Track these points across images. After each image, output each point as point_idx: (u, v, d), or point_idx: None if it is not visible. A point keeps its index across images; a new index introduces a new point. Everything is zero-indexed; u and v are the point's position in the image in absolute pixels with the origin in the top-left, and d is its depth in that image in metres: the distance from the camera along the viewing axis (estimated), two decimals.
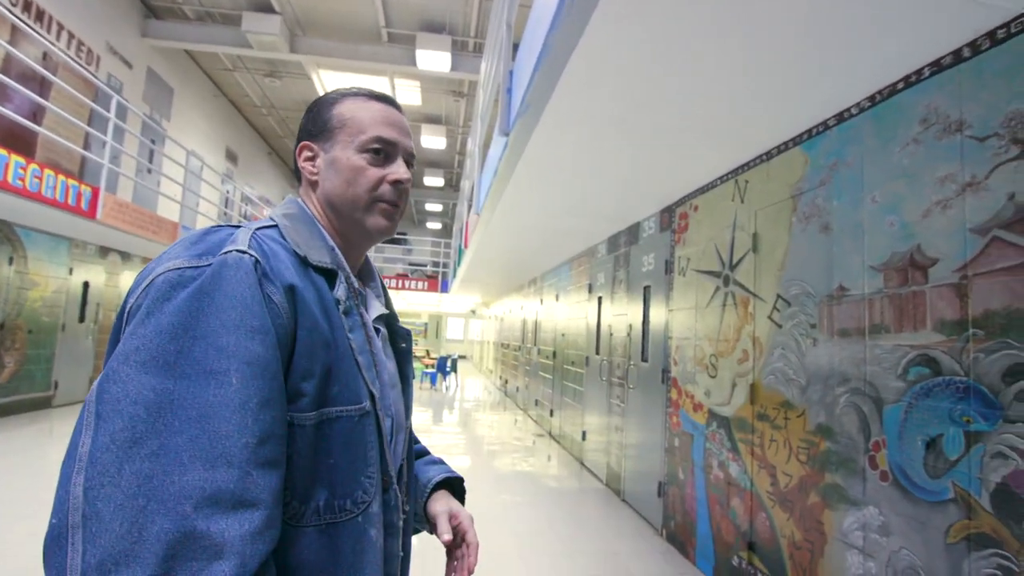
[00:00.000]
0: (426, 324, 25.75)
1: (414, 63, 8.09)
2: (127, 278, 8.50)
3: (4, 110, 4.67)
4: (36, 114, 6.13)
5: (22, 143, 5.88)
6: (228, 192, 11.41)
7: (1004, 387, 1.56)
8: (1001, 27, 1.65)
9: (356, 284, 0.79)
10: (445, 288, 14.19)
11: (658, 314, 4.07)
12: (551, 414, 7.45)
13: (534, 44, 2.39)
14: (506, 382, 12.26)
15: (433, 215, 19.93)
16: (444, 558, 0.89)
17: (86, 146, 6.92)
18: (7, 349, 6.26)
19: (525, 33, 2.77)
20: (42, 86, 6.13)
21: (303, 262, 0.72)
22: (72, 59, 6.57)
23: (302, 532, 0.65)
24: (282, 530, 0.62)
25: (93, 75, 6.73)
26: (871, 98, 2.12)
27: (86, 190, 5.66)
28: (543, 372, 8.11)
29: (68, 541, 0.51)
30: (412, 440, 0.92)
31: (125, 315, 0.62)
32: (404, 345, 0.90)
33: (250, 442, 0.57)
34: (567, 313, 6.81)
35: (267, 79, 10.00)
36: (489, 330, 17.03)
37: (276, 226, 0.75)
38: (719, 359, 3.13)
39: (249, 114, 12.05)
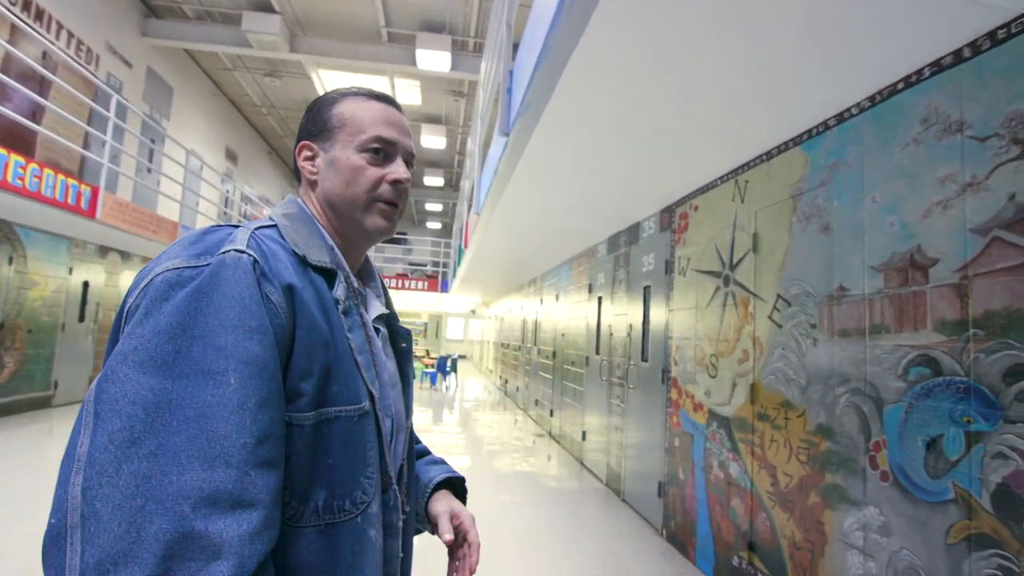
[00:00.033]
0: (426, 324, 25.75)
1: (414, 63, 8.09)
2: (127, 277, 8.50)
3: (4, 109, 4.67)
4: (36, 113, 6.13)
5: (22, 142, 5.87)
6: (228, 192, 11.40)
7: (1004, 387, 1.55)
8: (1001, 27, 1.65)
9: (356, 284, 0.79)
10: (445, 288, 14.19)
11: (658, 314, 4.07)
12: (551, 414, 7.45)
13: (534, 44, 2.39)
14: (506, 382, 12.26)
15: (433, 215, 19.93)
16: (446, 558, 0.88)
17: (86, 145, 6.92)
18: (7, 349, 6.25)
19: (525, 33, 2.77)
20: (42, 85, 6.12)
21: (302, 262, 0.72)
22: (72, 58, 6.57)
23: (301, 532, 0.65)
24: (281, 530, 0.62)
25: (93, 74, 6.72)
26: (871, 98, 2.12)
27: (86, 189, 5.66)
28: (543, 372, 8.11)
29: (67, 541, 0.51)
30: (413, 440, 0.91)
31: (124, 315, 0.62)
32: (404, 345, 0.90)
33: (248, 442, 0.57)
34: (567, 313, 6.81)
35: (267, 79, 10.00)
36: (489, 330, 17.04)
37: (275, 226, 0.74)
38: (719, 359, 3.13)
39: (249, 113, 12.05)
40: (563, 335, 6.96)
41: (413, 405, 0.91)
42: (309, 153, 0.81)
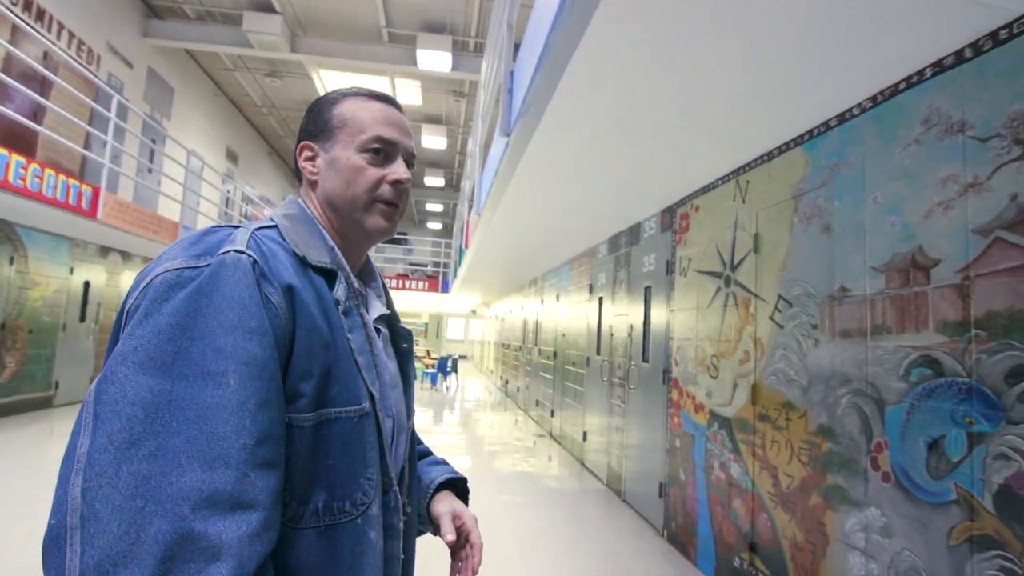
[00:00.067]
0: (427, 324, 25.75)
1: (415, 63, 8.09)
2: (128, 278, 8.50)
3: (5, 110, 4.67)
4: (37, 114, 6.13)
5: (23, 143, 5.88)
6: (229, 192, 11.41)
7: (1007, 388, 1.55)
8: (1003, 27, 1.65)
9: (356, 284, 0.79)
10: (446, 288, 14.19)
11: (659, 314, 4.07)
12: (552, 414, 7.45)
13: (535, 44, 2.39)
14: (507, 382, 12.26)
15: (434, 215, 19.93)
16: (448, 559, 0.88)
17: (87, 146, 6.92)
18: (8, 349, 6.26)
19: (526, 33, 2.77)
20: (43, 86, 6.13)
21: (302, 262, 0.71)
22: (73, 59, 6.57)
23: (301, 534, 0.64)
24: (281, 532, 0.62)
25: (94, 75, 6.73)
26: (872, 99, 2.12)
27: (87, 190, 5.66)
28: (544, 372, 8.11)
29: (67, 542, 0.51)
30: (414, 441, 0.91)
31: (124, 315, 0.62)
32: (405, 345, 0.89)
33: (248, 443, 0.57)
34: (568, 313, 6.80)
35: (268, 79, 10.01)
36: (490, 330, 17.03)
37: (276, 226, 0.74)
38: (720, 360, 3.13)
39: (250, 114, 12.05)
40: (564, 335, 6.95)
41: (414, 406, 0.91)
42: (310, 153, 0.81)
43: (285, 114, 11.83)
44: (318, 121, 0.81)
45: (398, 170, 0.79)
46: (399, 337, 0.88)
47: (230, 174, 11.66)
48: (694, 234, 3.57)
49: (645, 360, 4.33)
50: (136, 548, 0.50)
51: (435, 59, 7.87)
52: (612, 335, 5.12)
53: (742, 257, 2.96)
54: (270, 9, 7.56)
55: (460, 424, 8.49)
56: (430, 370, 13.11)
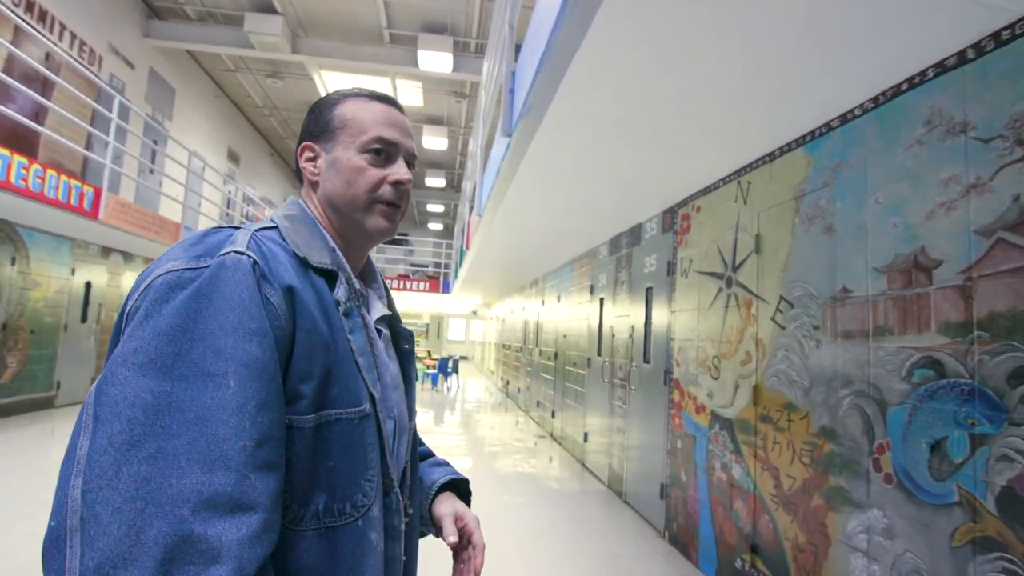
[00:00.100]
0: (427, 325, 25.76)
1: (416, 64, 8.10)
2: (129, 278, 8.51)
3: (7, 110, 4.68)
4: (39, 114, 6.14)
5: (25, 143, 5.89)
6: (230, 193, 11.42)
7: (1009, 390, 1.55)
8: (1006, 28, 1.65)
9: (357, 285, 0.79)
10: (447, 289, 14.19)
11: (660, 315, 4.07)
12: (552, 415, 7.44)
13: (537, 45, 2.39)
14: (507, 383, 12.25)
15: (435, 216, 19.94)
16: (450, 560, 0.88)
17: (88, 146, 6.93)
18: (9, 349, 6.26)
19: (528, 34, 2.77)
20: (44, 86, 6.14)
21: (303, 263, 0.71)
22: (74, 59, 6.58)
23: (301, 536, 0.64)
24: (281, 533, 0.62)
25: (95, 75, 6.74)
26: (874, 99, 2.12)
27: (88, 190, 5.67)
28: (544, 373, 8.11)
29: (66, 544, 0.51)
30: (416, 442, 0.91)
31: (124, 317, 0.62)
32: (407, 346, 0.89)
33: (248, 445, 0.57)
34: (569, 314, 6.80)
35: (269, 80, 10.02)
36: (490, 331, 17.03)
37: (276, 227, 0.74)
38: (722, 361, 3.12)
39: (251, 115, 12.07)
40: (565, 336, 6.95)
41: (416, 407, 0.91)
42: (311, 154, 0.81)
43: (286, 115, 11.85)
44: (319, 122, 0.80)
45: (399, 171, 0.79)
46: (401, 338, 0.88)
47: (231, 175, 11.67)
48: (695, 235, 3.57)
49: (646, 361, 4.32)
50: (136, 550, 0.50)
51: (436, 60, 7.88)
52: (613, 336, 5.12)
53: (744, 258, 2.96)
54: (271, 10, 7.57)
55: (461, 425, 8.48)
56: (431, 371, 13.12)
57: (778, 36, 1.78)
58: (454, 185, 15.94)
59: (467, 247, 7.21)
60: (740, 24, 1.72)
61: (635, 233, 4.70)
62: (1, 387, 6.17)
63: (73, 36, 6.73)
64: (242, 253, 0.64)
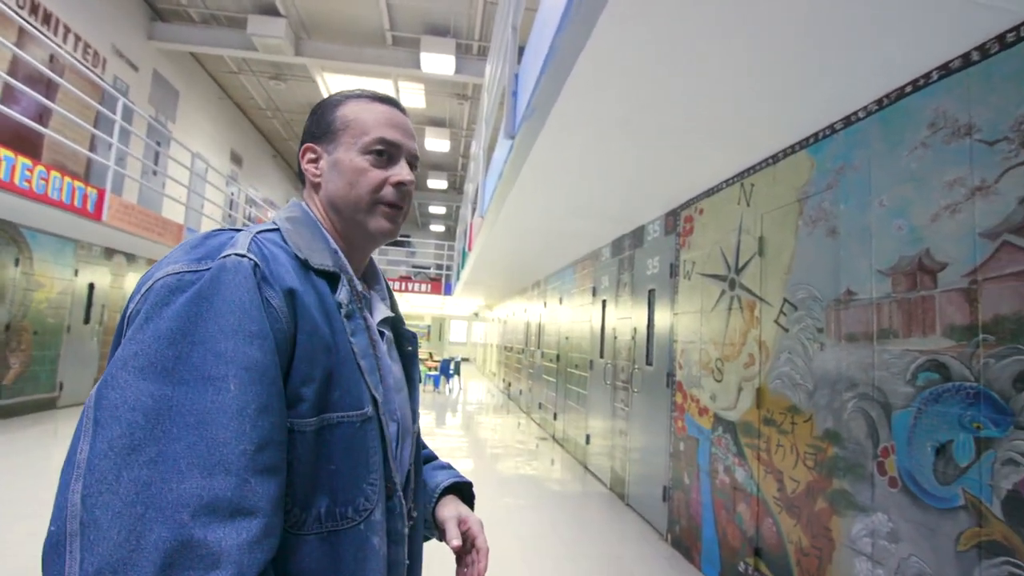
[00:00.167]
0: (429, 327, 25.76)
1: (418, 66, 8.11)
2: (132, 279, 8.53)
3: (11, 112, 4.70)
4: (43, 116, 6.16)
5: (28, 145, 5.91)
6: (233, 194, 11.44)
7: (1015, 393, 1.54)
8: (1010, 31, 1.64)
9: (360, 287, 0.78)
10: (448, 291, 14.20)
11: (663, 318, 4.06)
12: (554, 417, 7.43)
13: (540, 47, 2.39)
14: (509, 385, 12.24)
15: (436, 218, 19.95)
16: (453, 564, 0.87)
17: (92, 148, 6.95)
18: (12, 350, 6.28)
19: (531, 36, 2.77)
20: (48, 88, 6.16)
21: (304, 265, 0.71)
22: (78, 61, 6.60)
23: (303, 540, 0.64)
24: (283, 538, 0.61)
25: (99, 77, 6.76)
26: (878, 101, 2.11)
27: (92, 192, 5.68)
28: (546, 375, 8.10)
29: (66, 549, 0.51)
30: (419, 445, 0.90)
31: (126, 320, 0.61)
32: (410, 348, 0.89)
33: (248, 449, 0.56)
34: (571, 316, 6.79)
35: (272, 82, 10.04)
36: (492, 333, 17.03)
37: (278, 229, 0.74)
38: (725, 363, 3.11)
39: (254, 116, 12.09)
40: (567, 338, 6.94)
41: (419, 409, 0.90)
42: (313, 155, 0.80)
43: (289, 117, 11.87)
44: (321, 123, 0.80)
45: (401, 172, 0.79)
46: (404, 340, 0.88)
47: (234, 176, 11.69)
48: (698, 237, 3.56)
49: (649, 363, 4.31)
50: (136, 555, 0.50)
51: (438, 62, 7.89)
52: (616, 338, 5.11)
53: (747, 260, 2.95)
54: (274, 12, 7.59)
55: (462, 427, 8.48)
56: (433, 372, 13.11)
57: (782, 37, 1.78)
58: (456, 187, 15.95)
59: (469, 249, 7.21)
60: (744, 25, 1.72)
61: (638, 235, 4.69)
62: (4, 388, 6.18)
63: (77, 38, 6.75)
64: (243, 255, 0.64)
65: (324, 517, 0.65)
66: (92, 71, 6.84)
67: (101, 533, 0.50)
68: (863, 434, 2.06)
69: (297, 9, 7.58)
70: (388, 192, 0.78)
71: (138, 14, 7.85)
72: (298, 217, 0.77)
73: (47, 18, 6.25)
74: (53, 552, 0.52)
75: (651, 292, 4.34)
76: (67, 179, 5.30)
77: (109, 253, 7.98)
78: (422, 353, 16.74)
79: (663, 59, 1.95)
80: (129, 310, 0.61)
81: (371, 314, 0.80)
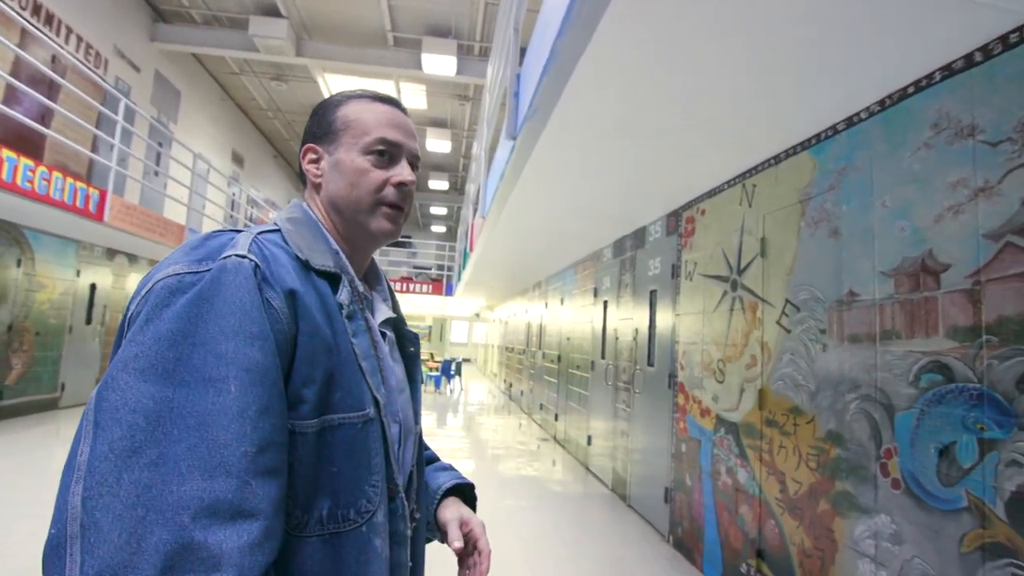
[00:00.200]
0: (430, 327, 25.76)
1: (420, 67, 8.11)
2: (134, 280, 8.54)
3: (13, 113, 4.70)
4: (45, 117, 6.17)
5: (31, 146, 5.91)
6: (234, 195, 11.45)
7: (1018, 394, 1.53)
8: (1013, 31, 1.63)
9: (361, 288, 0.78)
10: (450, 291, 14.20)
11: (665, 318, 4.05)
12: (556, 418, 7.42)
13: (542, 48, 2.39)
14: (510, 386, 12.24)
15: (437, 218, 19.96)
16: (455, 566, 0.87)
17: (94, 149, 6.96)
18: (15, 351, 6.29)
19: (533, 37, 2.76)
20: (51, 89, 6.17)
21: (305, 266, 0.70)
22: (81, 62, 6.61)
23: (305, 542, 0.63)
24: (285, 540, 0.61)
25: (101, 78, 6.77)
26: (880, 102, 2.10)
27: (94, 192, 5.69)
28: (548, 376, 8.09)
29: (66, 552, 0.50)
30: (422, 446, 0.90)
31: (126, 321, 0.61)
32: (412, 349, 0.88)
33: (249, 451, 0.56)
34: (572, 317, 6.79)
35: (273, 82, 10.05)
36: (493, 333, 17.02)
37: (279, 230, 0.73)
38: (727, 364, 3.11)
39: (255, 117, 12.11)
40: (568, 339, 6.94)
41: (421, 409, 0.90)
42: (314, 156, 0.80)
43: (290, 118, 11.88)
44: (322, 123, 0.80)
45: (402, 172, 0.78)
46: (406, 341, 0.87)
47: (236, 177, 11.70)
48: (700, 238, 3.56)
49: (650, 364, 4.31)
50: (137, 558, 0.50)
51: (440, 63, 7.89)
52: (617, 339, 5.11)
53: (749, 261, 2.95)
54: (276, 13, 7.59)
55: (464, 428, 8.47)
56: (434, 373, 13.11)
57: (780, 37, 1.77)
58: (457, 188, 15.95)
59: (471, 249, 7.21)
60: (743, 24, 1.71)
61: (639, 236, 4.69)
62: (6, 388, 6.19)
63: (79, 39, 6.76)
64: (243, 256, 0.63)
65: (326, 519, 0.65)
66: (94, 72, 6.85)
67: (102, 536, 0.50)
68: (866, 435, 2.06)
69: (298, 10, 7.59)
70: (389, 192, 0.78)
71: (140, 15, 7.86)
72: (299, 218, 0.77)
73: (49, 19, 6.26)
74: (53, 555, 0.51)
75: (653, 293, 4.33)
76: (69, 180, 5.31)
77: (111, 254, 7.99)
78: (423, 354, 16.73)
79: (661, 58, 1.94)
80: (130, 312, 0.61)
81: (373, 315, 0.80)
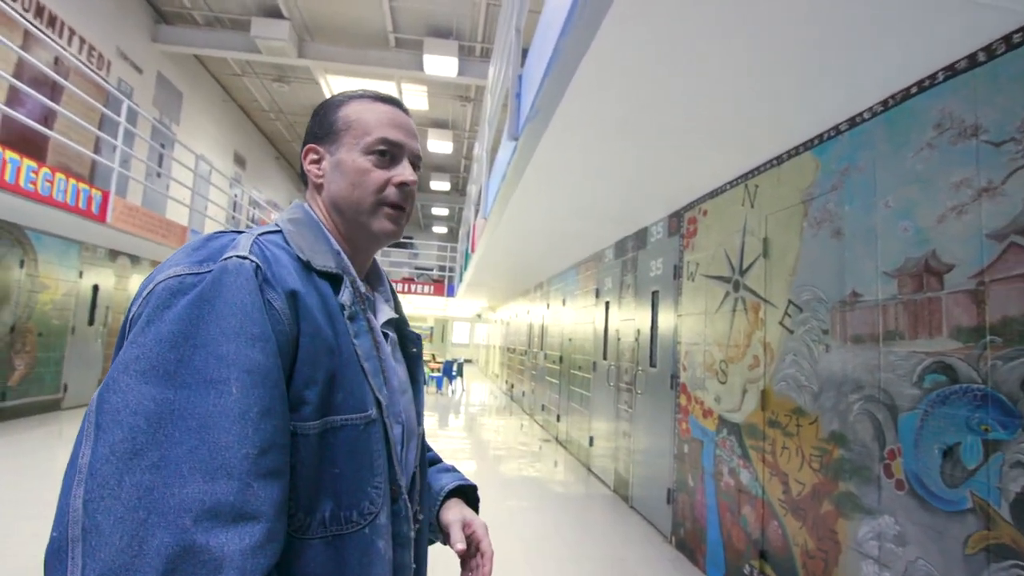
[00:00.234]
0: (432, 328, 25.77)
1: (421, 68, 8.12)
2: (136, 281, 8.55)
3: (16, 114, 4.72)
4: (47, 118, 6.19)
5: (34, 147, 5.93)
6: (236, 196, 11.47)
7: (1023, 395, 1.52)
8: (1016, 31, 1.63)
9: (363, 288, 0.77)
10: (451, 292, 14.20)
11: (667, 319, 4.05)
12: (558, 419, 7.42)
13: (544, 49, 2.39)
14: (512, 387, 12.23)
15: (439, 219, 19.96)
16: (458, 568, 0.86)
17: (97, 150, 6.98)
18: (17, 352, 6.30)
19: (535, 38, 2.77)
20: (54, 90, 6.18)
21: (307, 267, 0.70)
22: (83, 64, 6.62)
23: (308, 544, 0.63)
24: (287, 542, 0.61)
25: (104, 80, 6.79)
26: (883, 102, 2.10)
27: (96, 194, 5.70)
28: (550, 377, 8.08)
29: (68, 555, 0.50)
30: (424, 447, 0.90)
31: (128, 323, 0.61)
32: (415, 350, 0.88)
33: (250, 453, 0.56)
34: (574, 318, 6.78)
35: (275, 84, 10.07)
36: (495, 334, 17.02)
37: (280, 231, 0.73)
38: (729, 365, 3.10)
39: (257, 119, 12.12)
40: (570, 340, 6.93)
41: (424, 410, 0.89)
42: (315, 156, 0.80)
43: (292, 119, 11.90)
44: (323, 124, 0.80)
45: (404, 172, 0.78)
46: (408, 341, 0.87)
47: (238, 178, 11.72)
48: (702, 239, 3.55)
49: (652, 365, 4.30)
50: (138, 561, 0.49)
51: (441, 64, 7.89)
52: (619, 340, 5.10)
53: (751, 262, 2.94)
54: (278, 15, 7.61)
55: (465, 428, 8.47)
56: (435, 374, 13.11)
57: (782, 38, 1.77)
58: (459, 189, 15.96)
59: (472, 250, 7.21)
60: (745, 24, 1.71)
61: (641, 237, 4.68)
62: (9, 389, 6.20)
63: (82, 41, 6.78)
64: (244, 257, 0.63)
65: (328, 521, 0.64)
66: (96, 73, 6.86)
67: (103, 539, 0.50)
68: (869, 436, 2.05)
69: (300, 11, 7.60)
70: (391, 192, 0.78)
71: (142, 17, 7.88)
72: (300, 218, 0.76)
73: (52, 21, 6.28)
74: (55, 558, 0.51)
75: (655, 294, 4.33)
76: (72, 181, 5.32)
77: (113, 255, 8.01)
78: (425, 355, 16.74)
79: (663, 59, 1.94)
80: (131, 313, 0.61)
81: (375, 315, 0.79)
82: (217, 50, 8.17)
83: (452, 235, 20.88)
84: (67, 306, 7.10)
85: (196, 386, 0.55)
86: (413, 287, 14.49)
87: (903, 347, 1.92)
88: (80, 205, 5.43)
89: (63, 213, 5.30)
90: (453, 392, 13.23)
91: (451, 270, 14.95)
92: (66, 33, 6.50)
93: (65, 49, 6.41)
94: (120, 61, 7.52)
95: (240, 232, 0.69)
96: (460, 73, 8.13)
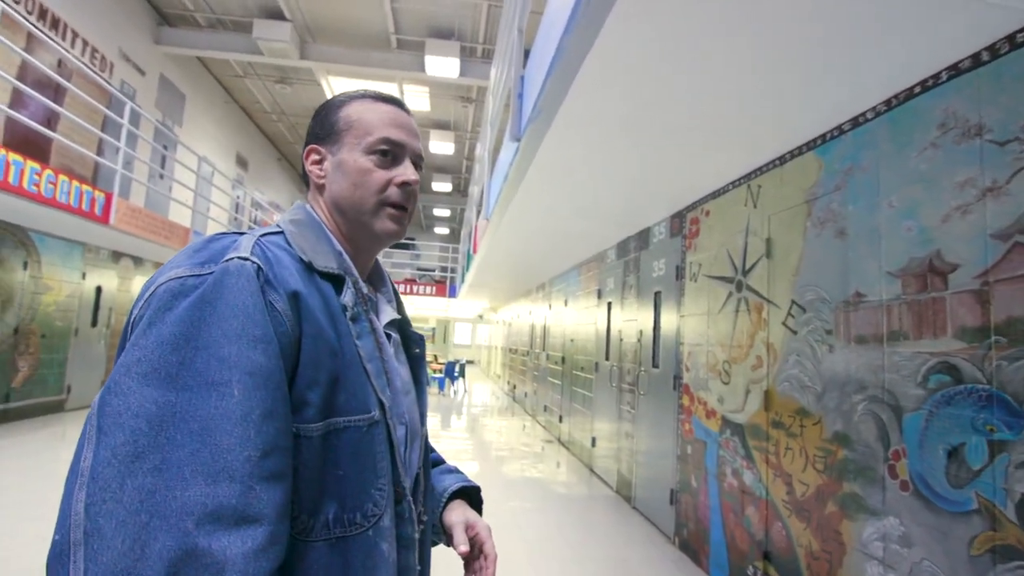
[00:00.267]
0: (434, 329, 25.77)
1: (423, 69, 8.12)
2: (139, 283, 8.57)
3: (20, 116, 4.73)
4: (51, 120, 6.20)
5: (37, 149, 5.94)
6: (239, 197, 11.49)
7: None
8: (1021, 31, 1.62)
9: (365, 289, 0.77)
10: (453, 293, 14.20)
11: (669, 320, 4.04)
12: (560, 420, 7.41)
13: (547, 48, 2.38)
14: (514, 387, 12.22)
15: (441, 220, 19.98)
16: (461, 570, 0.86)
17: (99, 152, 6.99)
18: (21, 353, 6.31)
19: (537, 38, 2.76)
20: (57, 93, 6.20)
21: (309, 268, 0.70)
22: (86, 66, 6.64)
23: (311, 547, 0.63)
24: (291, 545, 0.60)
25: (107, 82, 6.81)
26: (887, 102, 2.09)
27: (99, 195, 5.71)
28: (552, 378, 8.08)
29: (70, 559, 0.50)
30: (428, 448, 0.89)
31: (130, 325, 0.61)
32: (418, 350, 0.88)
33: (253, 455, 0.55)
34: (576, 318, 6.78)
35: (277, 85, 10.08)
36: (497, 335, 17.01)
37: (282, 232, 0.73)
38: (732, 365, 3.09)
39: (260, 120, 12.14)
40: (572, 340, 6.92)
41: (427, 411, 0.89)
42: (317, 157, 0.79)
43: (294, 120, 11.92)
44: (325, 124, 0.79)
45: (406, 172, 0.78)
46: (411, 342, 0.87)
47: (240, 180, 11.74)
48: (705, 239, 3.54)
49: (655, 365, 4.29)
50: (140, 565, 0.49)
51: (443, 65, 7.90)
52: (621, 340, 5.09)
53: (754, 262, 2.93)
54: (280, 17, 7.62)
55: (468, 429, 8.47)
56: (438, 375, 13.11)
57: (786, 36, 1.76)
58: (460, 189, 15.97)
59: (474, 251, 7.21)
60: (748, 23, 1.71)
61: (643, 237, 4.68)
62: (12, 391, 6.22)
63: (85, 43, 6.80)
64: (246, 259, 0.63)
65: (332, 523, 0.64)
66: (99, 75, 6.88)
67: (105, 542, 0.49)
68: (873, 437, 2.04)
69: (302, 13, 7.61)
70: (393, 193, 0.77)
71: (145, 19, 7.90)
72: (302, 219, 0.76)
73: (55, 23, 6.30)
74: (56, 562, 0.51)
75: (657, 294, 4.32)
76: (75, 183, 5.34)
77: (116, 256, 8.02)
78: (427, 356, 16.72)
79: (667, 57, 1.94)
80: (133, 315, 0.61)
81: (377, 316, 0.79)
82: (219, 52, 8.19)
83: (454, 236, 20.90)
84: (70, 308, 7.11)
85: (198, 388, 0.55)
86: (415, 288, 14.50)
87: (907, 347, 1.91)
88: (83, 207, 5.45)
89: (66, 215, 5.31)
90: (455, 393, 13.23)
91: (453, 271, 14.95)
92: (69, 35, 6.52)
93: (68, 51, 6.43)
94: (123, 63, 7.54)
95: (242, 233, 0.69)
96: (462, 74, 8.14)
